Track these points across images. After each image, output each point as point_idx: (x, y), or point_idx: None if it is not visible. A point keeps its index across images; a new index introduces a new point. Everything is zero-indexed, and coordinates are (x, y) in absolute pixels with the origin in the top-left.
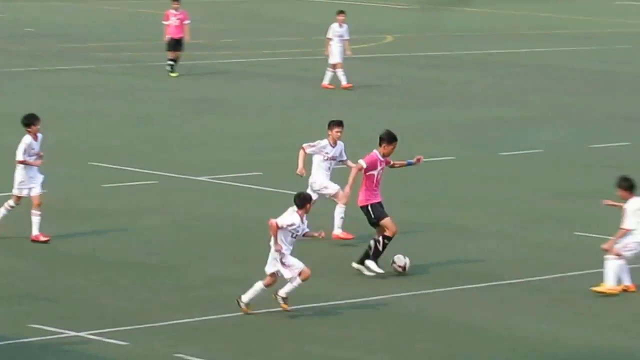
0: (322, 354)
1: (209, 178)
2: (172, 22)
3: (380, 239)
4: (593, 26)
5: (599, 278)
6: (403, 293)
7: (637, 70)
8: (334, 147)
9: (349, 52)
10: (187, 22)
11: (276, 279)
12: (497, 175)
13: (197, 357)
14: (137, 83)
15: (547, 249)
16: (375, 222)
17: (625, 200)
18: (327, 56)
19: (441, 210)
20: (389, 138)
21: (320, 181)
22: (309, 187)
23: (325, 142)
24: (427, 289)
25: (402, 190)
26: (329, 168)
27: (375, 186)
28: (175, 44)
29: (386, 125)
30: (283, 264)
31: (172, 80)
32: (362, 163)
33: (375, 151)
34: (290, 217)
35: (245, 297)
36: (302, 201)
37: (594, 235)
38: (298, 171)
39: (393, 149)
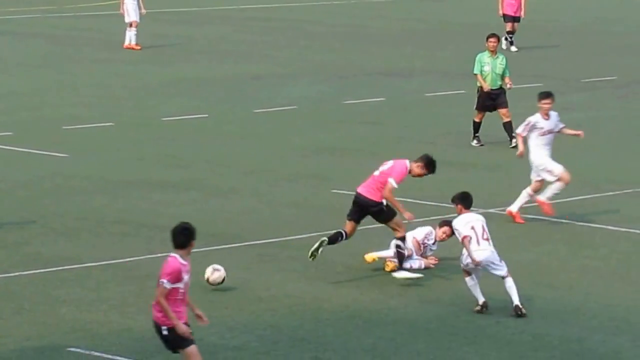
0: (76, 317)
1: None
2: None
3: (399, 242)
4: None
5: (359, 234)
6: (158, 254)
7: (391, 24)
8: (547, 119)
9: (144, 11)
10: None
11: None
12: (251, 132)
13: None
14: None
15: (304, 207)
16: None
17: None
18: (122, 15)
19: (195, 169)
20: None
21: (540, 161)
22: (532, 169)
23: (536, 117)
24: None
25: (155, 148)
26: (549, 143)
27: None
28: None
29: (137, 83)
30: None
31: None
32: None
33: (406, 164)
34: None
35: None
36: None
37: (351, 192)
38: (518, 154)
39: (422, 174)
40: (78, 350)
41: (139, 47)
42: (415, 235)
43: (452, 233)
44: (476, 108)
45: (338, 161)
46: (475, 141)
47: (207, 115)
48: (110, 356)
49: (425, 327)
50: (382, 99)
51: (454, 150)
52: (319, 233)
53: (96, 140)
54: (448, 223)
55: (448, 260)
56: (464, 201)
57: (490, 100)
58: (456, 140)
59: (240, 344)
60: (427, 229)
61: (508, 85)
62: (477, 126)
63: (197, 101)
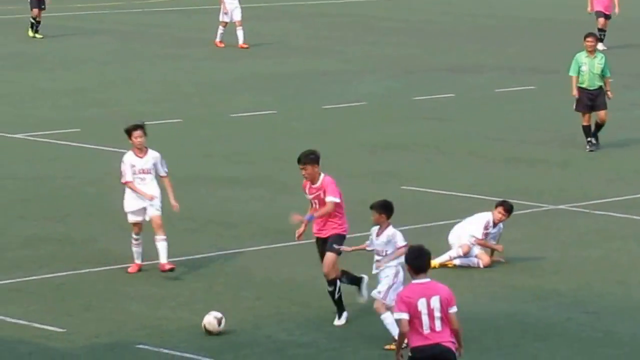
0: (145, 314)
1: (25, 135)
2: None
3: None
4: None
5: (428, 231)
6: (227, 251)
7: (460, 20)
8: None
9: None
10: None
11: None
12: (319, 129)
13: (18, 318)
14: None
15: None
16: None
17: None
18: (225, 12)
19: (263, 165)
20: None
21: None
22: None
23: None
24: (252, 246)
25: (223, 144)
26: None
27: None
28: None
29: (205, 79)
30: None
31: None
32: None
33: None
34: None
35: None
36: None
37: (420, 189)
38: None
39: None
40: (147, 347)
41: (246, 46)
42: (473, 232)
43: (508, 211)
44: (577, 110)
45: (407, 158)
46: (588, 146)
47: (275, 112)
48: (179, 353)
49: (494, 324)
50: (451, 95)
51: (522, 147)
52: None
53: (164, 137)
54: (502, 203)
55: (513, 257)
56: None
57: (589, 100)
58: (525, 136)
59: (310, 340)
60: (484, 216)
61: (609, 94)
62: (587, 130)
63: (266, 97)
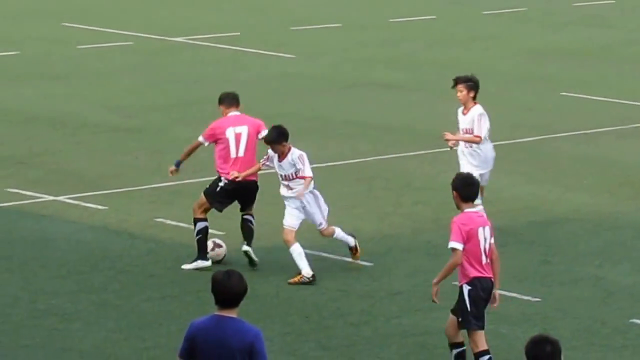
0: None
1: (185, 39)
2: None
3: None
4: None
5: (585, 138)
6: (387, 155)
7: None
8: None
9: None
10: None
11: None
12: (479, 34)
13: (177, 221)
14: None
15: (534, 110)
16: None
17: None
18: None
19: (422, 71)
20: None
21: None
22: None
23: None
24: (411, 151)
25: (382, 49)
26: None
27: None
28: None
29: None
30: None
31: None
32: None
33: None
34: None
35: None
36: None
37: (581, 96)
38: None
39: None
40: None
41: None
42: None
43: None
44: None
45: (567, 64)
46: None
47: (434, 17)
48: (339, 257)
49: None
50: (611, 1)
51: None
52: (548, 136)
53: (323, 42)
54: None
55: None
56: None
57: None
58: None
59: None
60: None
61: None
62: None
63: (426, 2)
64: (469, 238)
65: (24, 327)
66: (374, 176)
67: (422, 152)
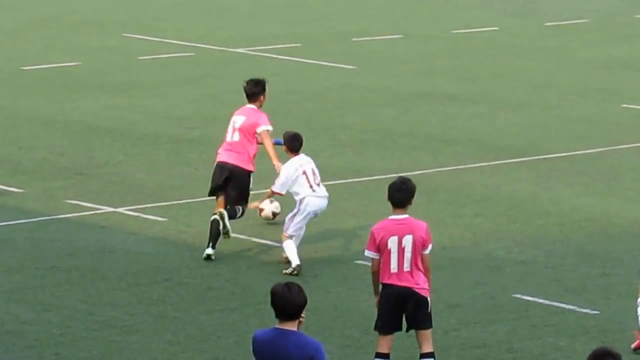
0: (361, 227)
1: (246, 50)
2: None
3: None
4: None
5: None
6: (447, 167)
7: None
8: None
9: None
10: None
11: None
12: (541, 46)
13: (236, 233)
14: None
15: (594, 122)
16: None
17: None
18: None
19: (484, 82)
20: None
21: None
22: None
23: None
24: (472, 163)
25: (444, 61)
26: None
27: None
28: None
29: None
30: None
31: None
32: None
33: None
34: None
35: None
36: None
37: None
38: None
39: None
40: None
41: None
42: None
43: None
44: None
45: (628, 76)
46: None
47: (497, 28)
48: None
49: None
50: None
51: None
52: (608, 148)
53: (385, 53)
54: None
55: None
56: (293, 142)
57: None
58: None
59: (528, 258)
60: None
61: None
62: None
63: (488, 13)
64: (379, 247)
65: (82, 339)
66: (434, 188)
67: (483, 163)
